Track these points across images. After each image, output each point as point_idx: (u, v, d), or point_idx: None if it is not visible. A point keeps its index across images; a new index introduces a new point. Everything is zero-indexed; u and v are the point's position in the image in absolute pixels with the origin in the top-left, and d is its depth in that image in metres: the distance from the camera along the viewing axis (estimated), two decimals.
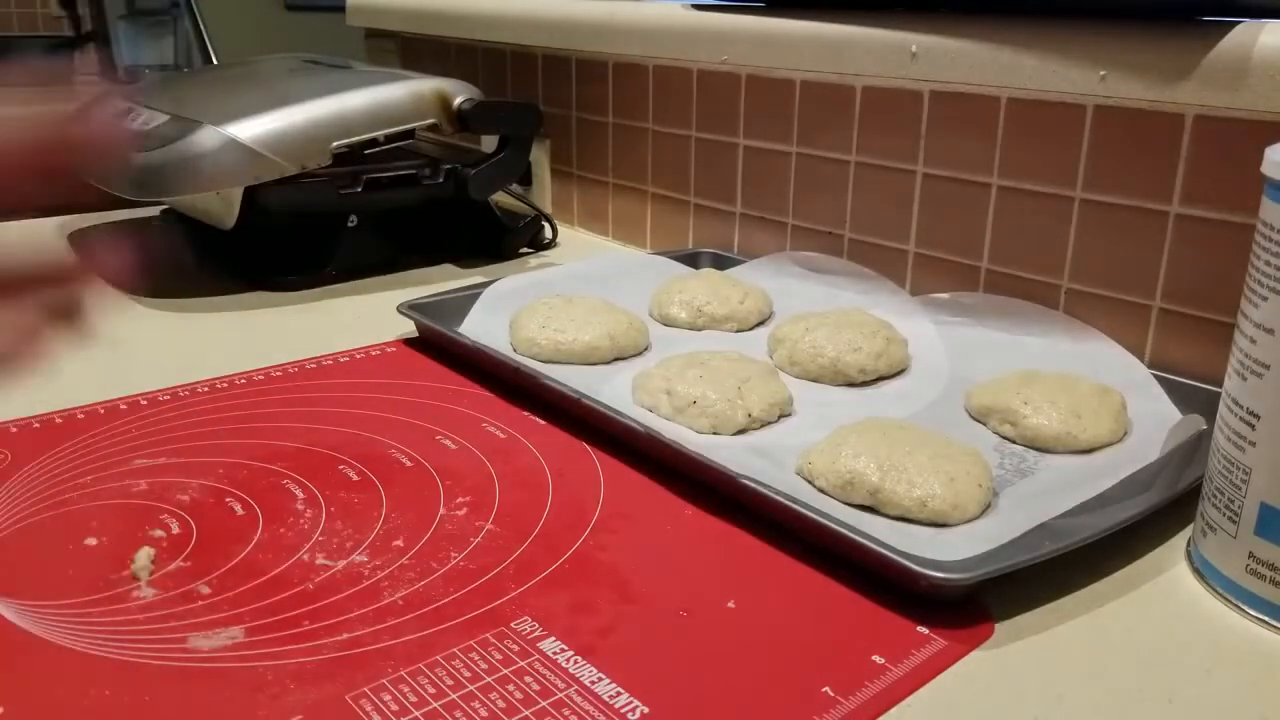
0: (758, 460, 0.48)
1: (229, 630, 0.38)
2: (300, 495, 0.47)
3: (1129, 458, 0.49)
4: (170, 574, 0.41)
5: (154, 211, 0.96)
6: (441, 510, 0.47)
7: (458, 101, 0.81)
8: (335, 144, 0.75)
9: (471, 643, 0.37)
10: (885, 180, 0.72)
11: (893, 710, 0.34)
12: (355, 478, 0.49)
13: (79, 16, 2.06)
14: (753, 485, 0.45)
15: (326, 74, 0.83)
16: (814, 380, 0.60)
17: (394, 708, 0.34)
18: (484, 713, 0.34)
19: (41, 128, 0.33)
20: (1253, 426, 0.39)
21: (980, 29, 0.64)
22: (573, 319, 0.63)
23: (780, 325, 0.64)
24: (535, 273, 0.74)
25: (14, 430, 0.53)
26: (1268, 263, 0.38)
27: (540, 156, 1.01)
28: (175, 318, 0.72)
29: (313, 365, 0.63)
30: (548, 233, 0.91)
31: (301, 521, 0.45)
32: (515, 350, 0.63)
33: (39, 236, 0.90)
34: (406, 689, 0.35)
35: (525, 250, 0.90)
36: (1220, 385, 0.42)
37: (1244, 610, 0.40)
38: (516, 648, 0.37)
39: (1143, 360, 0.59)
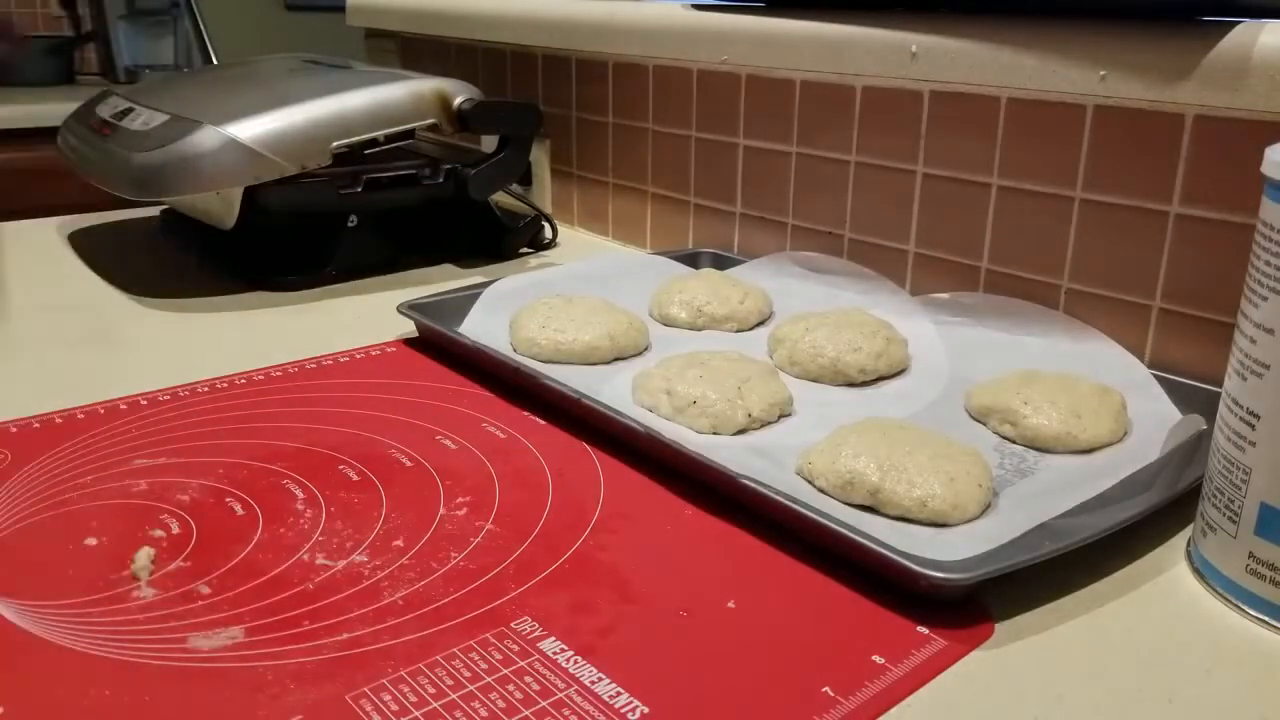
0: (758, 460, 0.48)
1: (229, 630, 0.38)
2: (300, 495, 0.47)
3: (1129, 458, 0.49)
4: (170, 574, 0.41)
5: (154, 211, 0.97)
6: (441, 510, 0.47)
7: (458, 101, 0.81)
8: (335, 144, 0.75)
9: (471, 643, 0.37)
10: (885, 180, 0.72)
11: (893, 710, 0.34)
12: (355, 478, 0.49)
13: (79, 16, 2.06)
14: (753, 485, 0.45)
15: (326, 74, 0.83)
16: (814, 380, 0.60)
17: (394, 708, 0.34)
18: (484, 713, 0.34)
19: None
20: (1253, 426, 0.39)
21: (980, 29, 0.64)
22: (573, 319, 0.63)
23: (780, 325, 0.64)
24: (535, 273, 0.74)
25: (14, 430, 0.53)
26: (1268, 263, 0.38)
27: (540, 156, 1.01)
28: (175, 318, 0.72)
29: (313, 365, 0.63)
30: (548, 233, 0.91)
31: (301, 521, 0.45)
32: (515, 350, 0.63)
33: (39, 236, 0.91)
34: (406, 689, 0.35)
35: (525, 250, 0.90)
36: (1220, 385, 0.42)
37: (1244, 610, 0.40)
38: (516, 648, 0.37)
39: (1143, 360, 0.59)
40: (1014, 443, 0.52)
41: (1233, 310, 0.42)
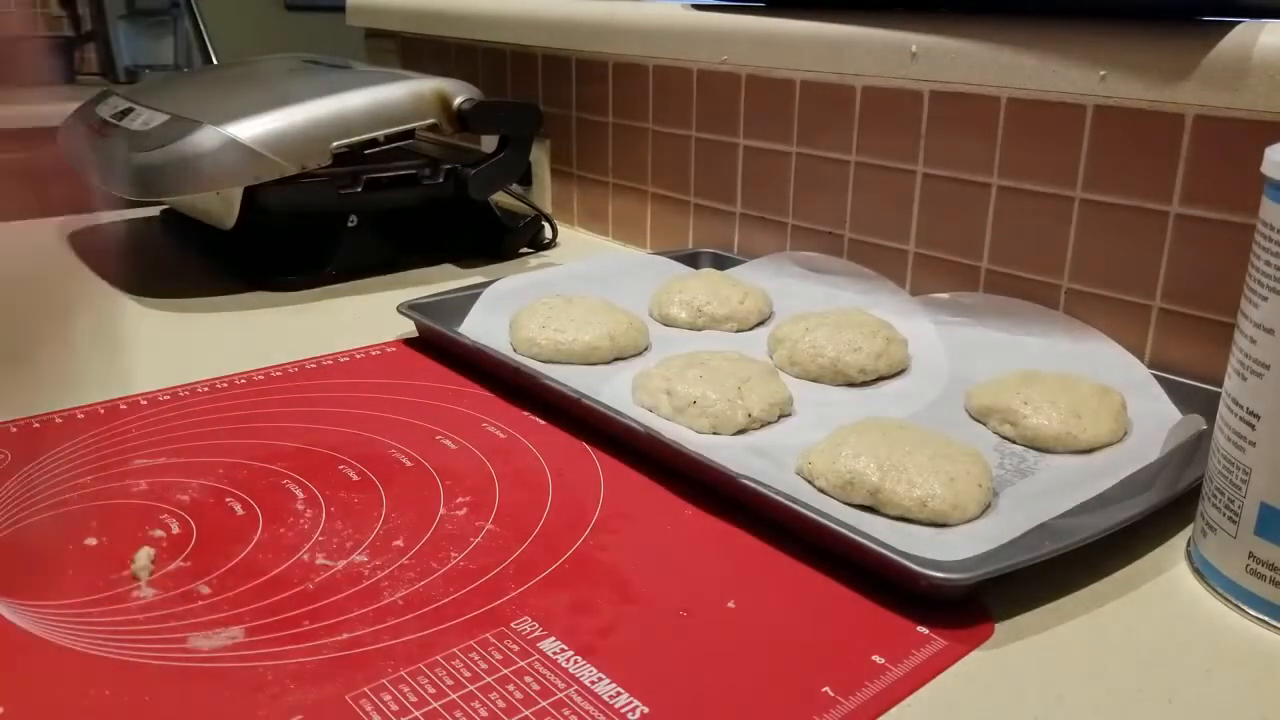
0: (758, 460, 0.48)
1: (229, 630, 0.38)
2: (300, 495, 0.47)
3: (1129, 458, 0.49)
4: (170, 574, 0.41)
5: (154, 211, 0.97)
6: (441, 510, 0.47)
7: (458, 101, 0.81)
8: (335, 144, 0.75)
9: (471, 643, 0.37)
10: (885, 180, 0.72)
11: (893, 710, 0.34)
12: (355, 478, 0.49)
13: (79, 16, 2.06)
14: (753, 485, 0.45)
15: (326, 74, 0.84)
16: (814, 380, 0.60)
17: (394, 708, 0.34)
18: (484, 713, 0.34)
19: None
20: (1253, 426, 0.39)
21: (980, 29, 0.64)
22: (573, 319, 0.63)
23: (780, 325, 0.64)
24: (535, 273, 0.74)
25: (14, 430, 0.53)
26: (1268, 263, 0.38)
27: (540, 156, 1.01)
28: (175, 318, 0.72)
29: (313, 365, 0.63)
30: (548, 233, 0.91)
31: (301, 521, 0.45)
32: (515, 350, 0.63)
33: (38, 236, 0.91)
34: (406, 689, 0.35)
35: (525, 250, 0.90)
36: (1220, 385, 0.42)
37: (1244, 610, 0.40)
38: (516, 648, 0.37)
39: (1143, 360, 0.59)
40: (1014, 443, 0.52)
41: (1233, 310, 0.42)
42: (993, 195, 0.66)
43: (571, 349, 0.61)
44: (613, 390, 0.57)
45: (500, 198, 0.89)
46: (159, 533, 0.44)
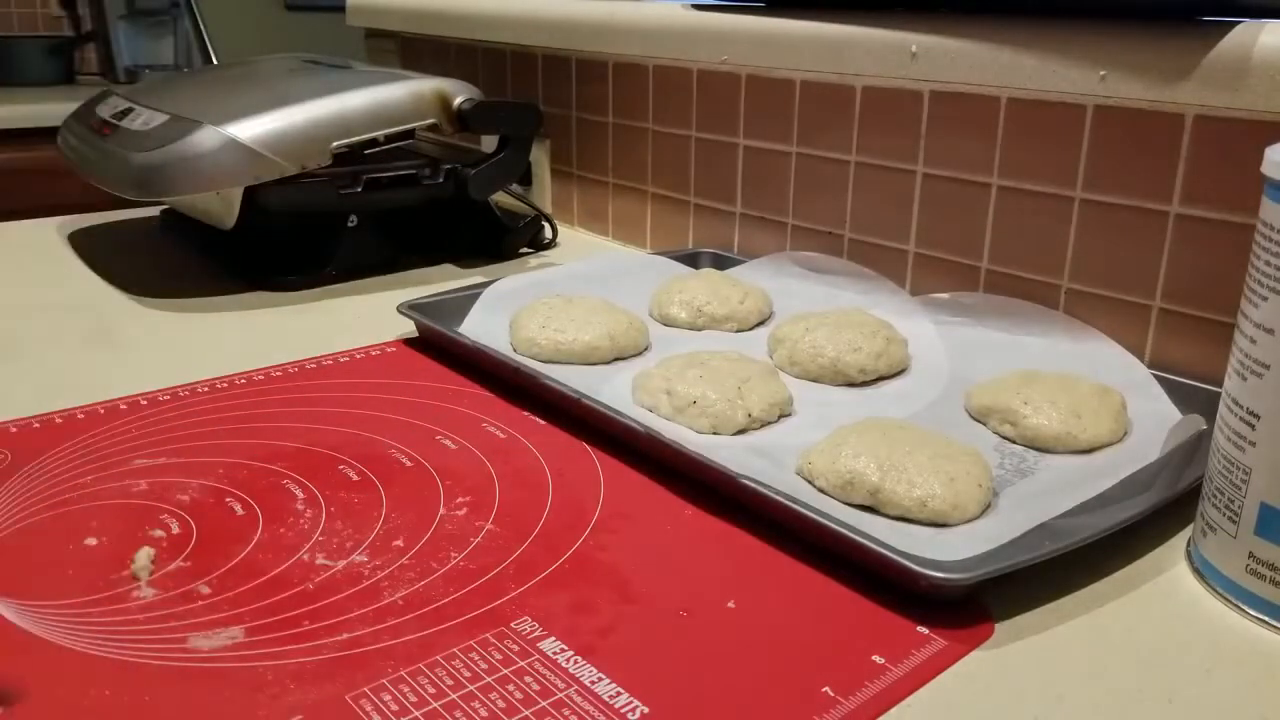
0: (758, 460, 0.48)
1: (229, 630, 0.38)
2: (300, 495, 0.47)
3: (1129, 458, 0.49)
4: (170, 574, 0.41)
5: (154, 211, 0.97)
6: (441, 510, 0.47)
7: (458, 101, 0.81)
8: (335, 144, 0.75)
9: (471, 643, 0.37)
10: (885, 180, 0.72)
11: (893, 710, 0.34)
12: (355, 478, 0.49)
13: (79, 16, 2.06)
14: (753, 485, 0.45)
15: (326, 74, 0.84)
16: (814, 380, 0.60)
17: (394, 708, 0.34)
18: (484, 713, 0.34)
19: None
20: (1253, 426, 0.39)
21: (980, 29, 0.64)
22: (573, 319, 0.63)
23: (780, 325, 0.64)
24: (535, 273, 0.74)
25: (14, 430, 0.53)
26: (1268, 263, 0.38)
27: (540, 156, 1.01)
28: (175, 318, 0.72)
29: (313, 365, 0.63)
30: (548, 233, 0.91)
31: (301, 521, 0.45)
32: (515, 350, 0.63)
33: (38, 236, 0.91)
34: (406, 689, 0.35)
35: (525, 250, 0.90)
36: (1220, 385, 0.42)
37: (1244, 610, 0.40)
38: (516, 648, 0.37)
39: (1143, 360, 0.59)
40: (1014, 443, 0.52)
41: (1233, 310, 0.42)
42: (993, 195, 0.66)
43: (571, 349, 0.61)
44: (613, 390, 0.57)
45: (500, 198, 0.89)
46: (159, 533, 0.44)
